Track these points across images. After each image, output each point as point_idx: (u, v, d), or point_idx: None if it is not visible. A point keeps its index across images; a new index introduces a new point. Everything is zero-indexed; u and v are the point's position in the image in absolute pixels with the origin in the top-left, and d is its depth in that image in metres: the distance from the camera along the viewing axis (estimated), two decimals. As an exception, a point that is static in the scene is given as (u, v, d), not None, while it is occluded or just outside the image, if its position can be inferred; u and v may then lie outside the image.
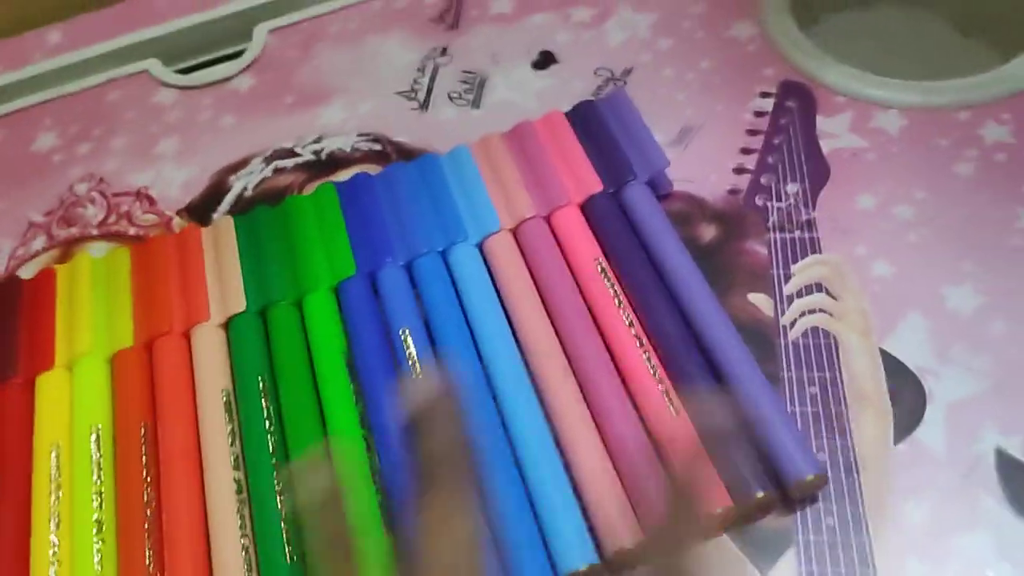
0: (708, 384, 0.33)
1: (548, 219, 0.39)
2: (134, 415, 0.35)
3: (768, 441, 0.32)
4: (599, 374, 0.34)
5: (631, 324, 0.35)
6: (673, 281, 0.36)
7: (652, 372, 0.34)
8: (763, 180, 0.40)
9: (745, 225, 0.39)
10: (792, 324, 0.36)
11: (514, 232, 0.39)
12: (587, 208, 0.39)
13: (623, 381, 0.34)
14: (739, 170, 0.41)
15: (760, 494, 0.31)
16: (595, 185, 0.39)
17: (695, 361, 0.34)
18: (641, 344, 0.35)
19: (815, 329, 0.36)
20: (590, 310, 0.36)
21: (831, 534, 0.31)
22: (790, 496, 0.31)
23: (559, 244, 0.38)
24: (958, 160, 0.40)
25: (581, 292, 0.36)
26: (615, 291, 0.36)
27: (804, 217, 0.39)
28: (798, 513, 0.32)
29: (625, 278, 0.37)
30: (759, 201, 0.40)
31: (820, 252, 0.38)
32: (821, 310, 0.36)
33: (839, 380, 0.34)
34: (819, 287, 0.37)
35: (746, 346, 0.34)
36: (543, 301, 0.36)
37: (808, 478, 0.31)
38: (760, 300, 0.37)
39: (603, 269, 0.37)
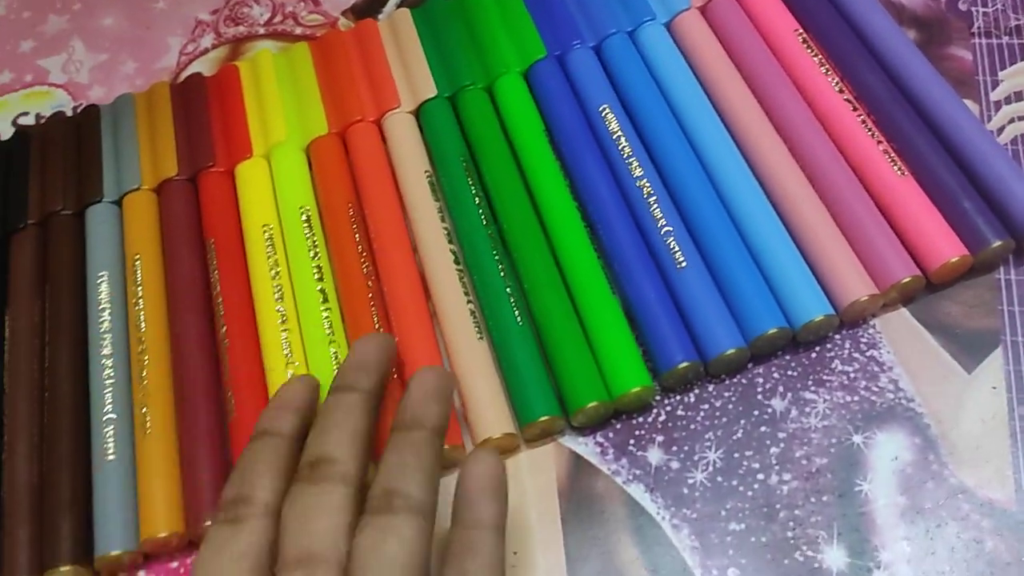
0: (929, 143, 0.33)
1: (737, -3, 0.38)
2: (340, 197, 0.35)
3: (999, 191, 0.31)
4: (813, 140, 0.33)
5: (841, 91, 0.34)
6: (879, 45, 0.35)
7: (870, 134, 0.33)
8: (967, -16, 0.39)
9: (947, 31, 0.38)
10: (1000, 130, 0.35)
11: (702, 12, 0.38)
12: (777, -17, 0.38)
13: (840, 148, 0.33)
14: (940, -25, 0.39)
15: (997, 243, 0.30)
16: (783, -41, 0.38)
17: (913, 121, 0.33)
18: (855, 108, 0.34)
19: (1025, 136, 0.35)
20: (794, 81, 0.35)
21: (1041, 333, 0.31)
22: (1024, 245, 0.31)
23: (752, 21, 0.37)
24: None
25: (782, 64, 0.36)
26: (820, 60, 0.35)
27: (1013, 22, 0.37)
28: (1006, 312, 0.31)
29: (828, 48, 0.36)
30: (963, 6, 0.38)
31: (1030, 59, 0.36)
32: (1032, 113, 0.35)
33: (1052, 184, 0.33)
34: (1030, 94, 0.35)
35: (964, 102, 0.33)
36: (744, 75, 0.36)
37: (1046, 224, 0.30)
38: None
39: (804, 40, 0.36)
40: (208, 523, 0.29)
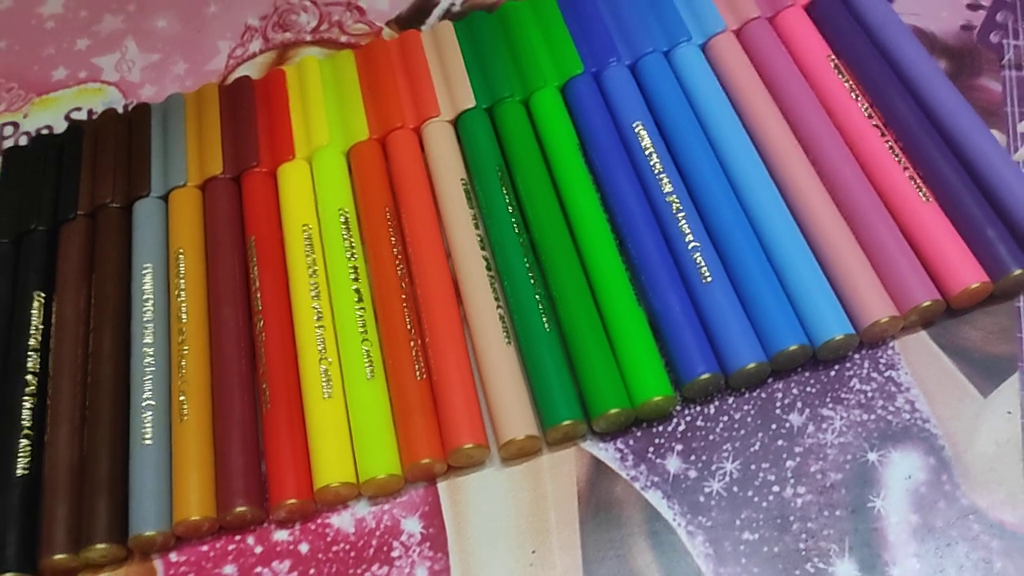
0: (955, 170, 0.33)
1: (771, 21, 0.39)
2: (378, 200, 0.37)
3: (1022, 220, 0.32)
4: (841, 163, 0.34)
5: (870, 116, 0.35)
6: (910, 73, 0.36)
7: (897, 160, 0.34)
8: (999, 17, 0.39)
9: (978, 62, 0.38)
10: (1026, 160, 0.35)
11: (737, 34, 0.39)
12: (812, 9, 0.39)
13: (866, 173, 0.34)
14: (973, 6, 0.40)
15: (1017, 271, 0.31)
16: (820, -14, 0.39)
17: (940, 148, 0.34)
18: (883, 135, 0.35)
19: (1050, 164, 0.35)
20: (825, 105, 0.36)
21: (1060, 357, 0.31)
22: (1045, 275, 0.32)
23: (786, 45, 0.38)
24: None
25: (814, 88, 0.37)
26: (851, 86, 0.36)
27: (1043, 54, 0.38)
28: (1023, 339, 0.32)
29: (860, 74, 0.36)
30: (994, 38, 0.39)
31: (1058, 90, 0.37)
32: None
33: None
34: (1056, 121, 0.36)
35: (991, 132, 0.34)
36: (775, 98, 0.37)
37: (1067, 256, 0.31)
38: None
39: (836, 66, 0.37)
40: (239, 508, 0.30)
